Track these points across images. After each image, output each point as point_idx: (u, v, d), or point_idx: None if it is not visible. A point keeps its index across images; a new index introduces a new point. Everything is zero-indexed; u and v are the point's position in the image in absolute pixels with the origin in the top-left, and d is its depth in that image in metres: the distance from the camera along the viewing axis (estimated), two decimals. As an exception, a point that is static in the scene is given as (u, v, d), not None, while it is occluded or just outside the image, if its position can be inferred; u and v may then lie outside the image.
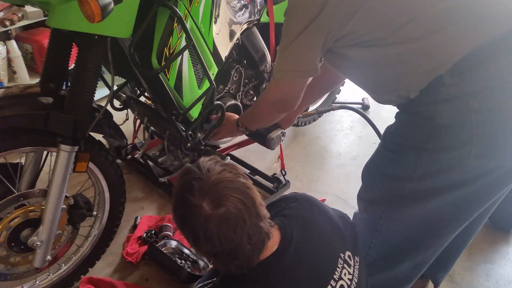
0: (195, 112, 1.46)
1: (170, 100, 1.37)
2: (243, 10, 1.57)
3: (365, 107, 2.98)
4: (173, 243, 1.80)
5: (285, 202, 1.12)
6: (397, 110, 1.21)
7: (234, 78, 1.75)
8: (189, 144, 1.54)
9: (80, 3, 0.98)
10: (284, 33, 1.19)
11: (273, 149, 1.73)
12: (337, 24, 1.10)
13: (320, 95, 1.80)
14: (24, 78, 2.46)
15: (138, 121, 1.93)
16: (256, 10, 1.65)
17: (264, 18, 1.71)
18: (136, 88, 1.75)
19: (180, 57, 1.32)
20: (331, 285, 0.97)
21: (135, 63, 1.25)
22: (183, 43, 1.31)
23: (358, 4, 1.05)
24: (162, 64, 1.27)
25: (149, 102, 1.89)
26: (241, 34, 1.64)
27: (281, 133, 1.70)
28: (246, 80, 1.84)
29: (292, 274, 0.95)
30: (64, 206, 1.37)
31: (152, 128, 1.86)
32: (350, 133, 2.74)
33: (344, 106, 2.00)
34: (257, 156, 2.41)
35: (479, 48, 0.98)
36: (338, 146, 2.62)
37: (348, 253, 1.05)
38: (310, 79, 1.29)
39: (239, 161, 2.27)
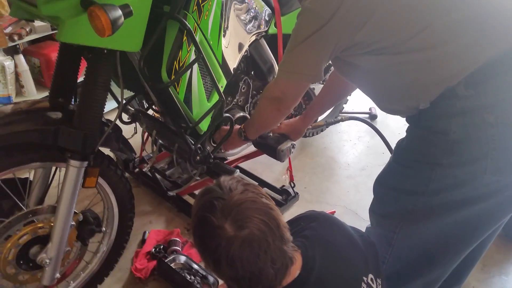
0: (204, 125, 1.44)
1: (180, 113, 1.36)
2: (252, 22, 1.56)
3: (373, 116, 2.96)
4: (182, 258, 1.77)
5: (304, 222, 1.08)
6: (406, 123, 1.18)
7: (242, 90, 1.74)
8: (198, 157, 1.52)
9: (90, 18, 0.98)
10: (293, 34, 1.19)
11: (283, 161, 1.71)
12: (347, 33, 1.08)
13: (330, 105, 1.78)
14: (32, 92, 2.46)
15: (146, 134, 1.92)
16: (264, 22, 1.64)
17: (272, 30, 1.70)
18: (144, 101, 1.74)
19: (189, 70, 1.31)
20: None
21: (145, 76, 1.24)
22: (193, 56, 1.30)
23: (369, 14, 1.04)
24: (172, 78, 1.26)
25: (157, 115, 1.88)
26: (249, 45, 1.63)
27: (291, 145, 1.68)
28: (254, 92, 1.83)
29: None
30: (73, 223, 1.35)
31: (160, 141, 1.84)
32: (358, 143, 2.71)
33: (353, 117, 1.98)
34: (265, 168, 2.38)
35: (494, 60, 0.95)
36: (347, 157, 2.59)
37: (370, 275, 1.01)
38: (309, 85, 1.28)
39: (247, 173, 2.25)
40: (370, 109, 3.01)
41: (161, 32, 1.21)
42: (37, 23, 2.30)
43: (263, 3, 1.62)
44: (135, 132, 1.69)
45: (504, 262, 1.87)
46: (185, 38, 1.25)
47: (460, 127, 0.99)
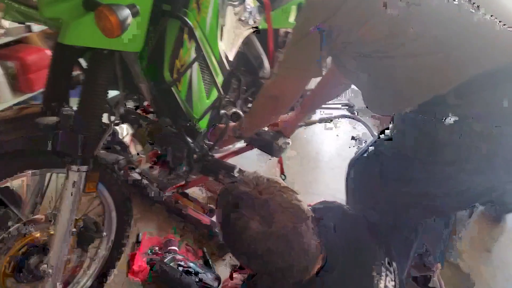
0: (203, 123, 1.43)
1: (180, 112, 1.34)
2: (246, 17, 1.56)
3: (351, 107, 3.02)
4: (180, 258, 1.76)
5: (319, 212, 1.11)
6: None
7: (234, 86, 1.74)
8: (196, 156, 1.51)
9: (98, 18, 0.95)
10: (295, 28, 1.21)
11: (278, 156, 1.73)
12: (347, 29, 1.11)
13: (323, 102, 1.82)
14: (7, 98, 2.33)
15: (129, 135, 1.88)
16: (255, 17, 1.63)
17: (263, 25, 1.70)
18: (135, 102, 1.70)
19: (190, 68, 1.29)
20: None
21: (148, 76, 1.21)
22: (193, 53, 1.28)
23: (370, 15, 1.07)
24: (174, 76, 1.24)
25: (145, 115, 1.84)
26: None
27: (286, 141, 1.70)
28: (244, 87, 1.82)
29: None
30: (74, 229, 1.31)
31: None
32: (340, 135, 2.77)
33: (344, 115, 2.02)
34: (251, 163, 2.40)
35: (485, 74, 1.01)
36: (330, 148, 2.65)
37: (387, 259, 1.05)
38: (308, 81, 1.30)
39: (235, 169, 2.25)
40: (348, 99, 3.06)
41: (162, 31, 1.19)
42: (11, 25, 2.18)
43: (254, -2, 1.62)
44: (127, 133, 1.65)
45: (488, 238, 1.98)
46: (185, 36, 1.23)
47: (448, 132, 1.06)
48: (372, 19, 1.07)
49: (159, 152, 2.05)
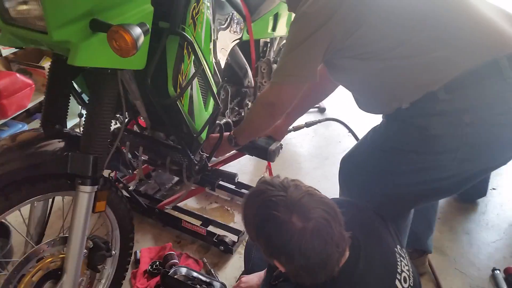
0: (204, 135, 1.47)
1: (185, 126, 1.37)
2: (232, 30, 1.62)
3: (322, 109, 3.14)
4: (183, 270, 1.77)
5: None
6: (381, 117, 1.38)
7: (222, 97, 1.78)
8: (197, 167, 1.54)
9: (113, 38, 0.97)
10: (290, 39, 1.28)
11: (273, 161, 1.78)
12: (341, 35, 1.20)
13: (311, 106, 1.90)
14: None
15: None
16: (239, 29, 1.70)
17: (245, 36, 1.77)
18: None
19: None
20: (398, 279, 1.04)
21: (152, 93, 1.24)
22: (192, 68, 1.32)
23: (361, 22, 1.17)
24: (178, 91, 1.27)
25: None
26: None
27: (280, 145, 1.76)
28: (231, 97, 1.88)
29: (369, 277, 1.00)
30: (85, 251, 1.31)
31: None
32: (315, 136, 2.87)
33: (329, 118, 2.11)
34: (236, 170, 2.43)
35: (472, 70, 1.12)
36: (309, 149, 2.74)
37: (398, 246, 1.13)
38: (304, 87, 1.37)
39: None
40: (320, 103, 3.18)
41: (163, 48, 1.22)
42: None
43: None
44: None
45: (466, 222, 2.13)
46: (185, 51, 1.27)
47: (440, 124, 1.17)
48: (363, 25, 1.17)
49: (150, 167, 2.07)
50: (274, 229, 0.93)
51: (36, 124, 2.77)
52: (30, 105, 2.48)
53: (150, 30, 1.14)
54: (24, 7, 1.03)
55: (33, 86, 2.43)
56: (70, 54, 1.03)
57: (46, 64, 2.55)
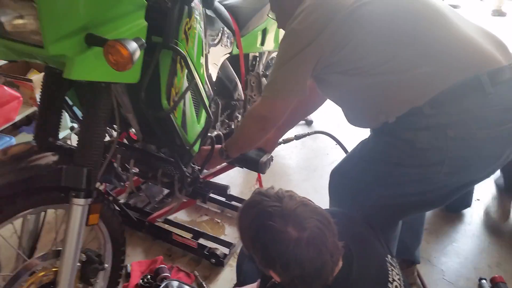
0: (196, 147, 1.49)
1: (179, 138, 1.39)
2: (223, 44, 1.65)
3: (309, 122, 3.18)
4: (175, 284, 1.76)
5: None
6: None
7: (213, 110, 1.81)
8: (189, 179, 1.56)
9: (109, 53, 0.99)
10: (280, 55, 1.31)
11: (264, 173, 1.80)
12: (329, 51, 1.24)
13: (300, 118, 1.94)
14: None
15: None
16: (229, 44, 1.73)
17: (235, 51, 1.81)
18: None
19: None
20: None
21: (146, 106, 1.26)
22: (185, 81, 1.35)
23: (351, 36, 1.21)
24: (171, 104, 1.29)
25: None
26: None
27: (271, 157, 1.79)
28: (221, 110, 1.90)
29: (362, 286, 1.02)
30: (79, 264, 1.30)
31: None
32: (303, 148, 2.90)
33: (318, 131, 2.14)
34: (227, 183, 2.43)
35: (456, 86, 1.16)
36: (297, 162, 2.77)
37: (389, 255, 1.15)
38: (295, 101, 1.40)
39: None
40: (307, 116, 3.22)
41: (156, 62, 1.24)
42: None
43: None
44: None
45: (452, 232, 2.17)
46: (178, 65, 1.30)
47: (425, 138, 1.21)
48: (351, 41, 1.21)
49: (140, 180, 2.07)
50: (270, 239, 0.95)
51: (23, 136, 2.74)
52: (17, 118, 2.46)
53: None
54: (20, 21, 1.04)
55: (21, 99, 2.42)
56: (66, 67, 1.04)
57: (34, 77, 2.54)
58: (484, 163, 1.26)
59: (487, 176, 1.34)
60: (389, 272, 1.09)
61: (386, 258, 1.13)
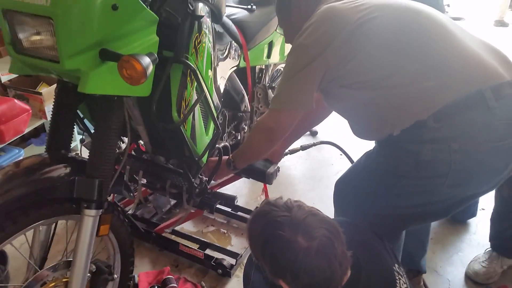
0: (204, 158, 1.51)
1: (188, 150, 1.41)
2: (230, 58, 1.68)
3: (314, 133, 3.20)
4: (183, 294, 1.78)
5: None
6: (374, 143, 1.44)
7: (220, 121, 1.83)
8: (197, 190, 1.58)
9: (123, 67, 1.02)
10: (287, 68, 1.34)
11: (271, 183, 1.82)
12: (335, 65, 1.26)
13: (306, 130, 1.97)
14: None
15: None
16: (237, 57, 1.77)
17: (242, 63, 1.84)
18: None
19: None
20: None
21: (157, 119, 1.28)
22: (194, 94, 1.37)
23: (357, 50, 1.23)
24: (181, 117, 1.32)
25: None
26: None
27: (277, 167, 1.81)
28: (228, 122, 1.93)
29: None
30: (89, 274, 1.32)
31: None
32: (308, 158, 2.92)
33: (324, 141, 2.15)
34: (232, 193, 2.45)
35: (459, 100, 1.18)
36: (302, 172, 2.78)
37: (396, 264, 1.17)
38: (302, 113, 1.43)
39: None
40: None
41: (167, 75, 1.27)
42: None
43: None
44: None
45: (458, 241, 2.18)
46: (188, 78, 1.33)
47: (429, 151, 1.22)
48: (357, 56, 1.23)
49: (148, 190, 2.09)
50: (279, 249, 0.97)
51: (31, 148, 2.78)
52: (26, 130, 2.50)
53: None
54: (37, 37, 1.08)
55: (30, 111, 2.46)
56: (81, 82, 1.07)
57: (43, 89, 2.58)
58: (487, 176, 1.28)
59: (491, 189, 1.35)
60: (397, 281, 1.10)
61: (394, 267, 1.14)
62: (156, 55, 1.09)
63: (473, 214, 2.28)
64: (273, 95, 1.53)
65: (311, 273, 0.94)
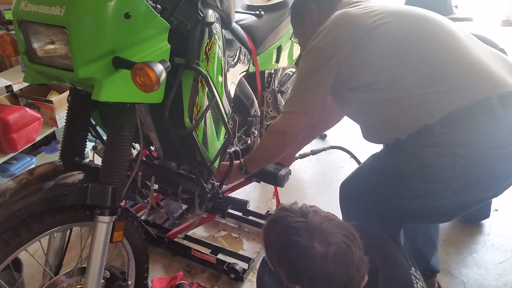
0: (216, 163, 1.52)
1: (200, 155, 1.42)
2: (240, 63, 1.69)
3: (323, 136, 3.20)
4: (196, 299, 1.78)
5: None
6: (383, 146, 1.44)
7: (230, 126, 1.84)
8: (209, 195, 1.58)
9: (137, 75, 1.03)
10: (301, 71, 1.35)
11: (283, 186, 1.82)
12: (346, 68, 1.27)
13: (317, 134, 1.97)
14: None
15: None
16: (246, 61, 1.77)
17: (251, 68, 1.85)
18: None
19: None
20: None
21: (169, 125, 1.29)
22: (205, 100, 1.38)
23: (367, 54, 1.24)
24: (193, 122, 1.33)
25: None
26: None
27: (289, 170, 1.81)
28: (238, 126, 1.93)
29: None
30: (103, 281, 1.33)
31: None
32: (318, 162, 2.92)
33: (334, 146, 2.15)
34: (243, 198, 2.46)
35: (466, 106, 1.19)
36: (313, 175, 2.78)
37: (413, 268, 1.16)
38: (315, 116, 1.43)
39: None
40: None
41: (179, 82, 1.28)
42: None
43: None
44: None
45: (471, 243, 2.16)
46: (199, 84, 1.34)
47: (435, 155, 1.23)
48: (367, 60, 1.24)
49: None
50: (297, 255, 0.96)
51: (42, 156, 2.81)
52: (37, 139, 2.52)
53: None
54: (51, 47, 1.09)
55: (41, 119, 2.48)
56: (94, 90, 1.08)
57: (54, 98, 2.61)
58: (492, 183, 1.28)
59: (496, 195, 1.34)
60: (414, 285, 1.10)
61: (410, 271, 1.14)
62: (168, 62, 1.10)
63: (486, 215, 2.26)
64: (285, 99, 1.53)
65: (329, 279, 0.93)
